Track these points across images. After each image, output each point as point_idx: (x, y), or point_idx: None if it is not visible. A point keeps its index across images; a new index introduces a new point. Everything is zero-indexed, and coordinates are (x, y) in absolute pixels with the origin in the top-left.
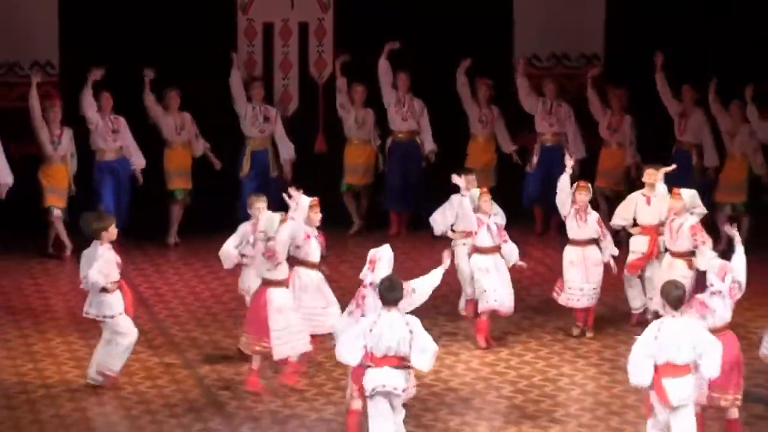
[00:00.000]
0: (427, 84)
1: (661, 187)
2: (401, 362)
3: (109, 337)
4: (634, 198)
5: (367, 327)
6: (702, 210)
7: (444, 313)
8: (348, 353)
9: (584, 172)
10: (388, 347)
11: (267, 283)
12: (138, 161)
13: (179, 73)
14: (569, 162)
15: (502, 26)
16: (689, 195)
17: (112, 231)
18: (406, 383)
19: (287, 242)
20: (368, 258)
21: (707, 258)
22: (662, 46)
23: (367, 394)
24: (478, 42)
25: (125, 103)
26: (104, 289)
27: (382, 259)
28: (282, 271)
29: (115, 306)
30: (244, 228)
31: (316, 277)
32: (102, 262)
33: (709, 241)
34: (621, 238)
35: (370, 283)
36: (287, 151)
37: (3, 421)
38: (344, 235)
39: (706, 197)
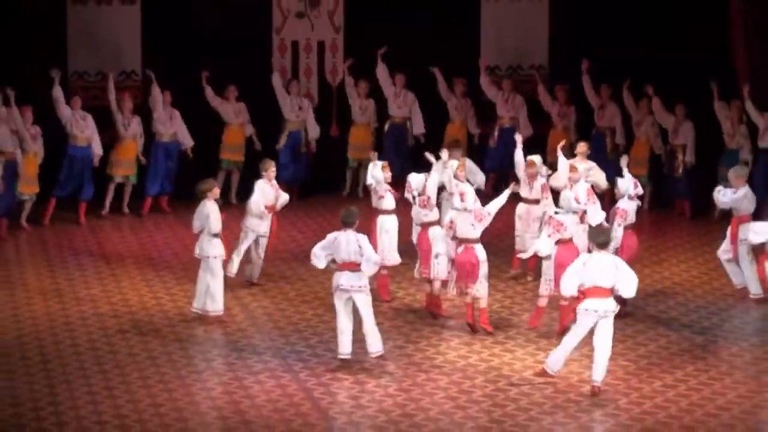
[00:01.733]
0: (418, 82)
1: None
2: (355, 267)
3: (205, 276)
4: (568, 165)
5: (330, 241)
6: (593, 179)
7: None
8: (317, 259)
9: (536, 150)
10: (344, 257)
11: (427, 225)
12: (187, 142)
13: (229, 79)
14: (519, 138)
15: (473, 43)
16: (584, 167)
17: (215, 191)
18: (359, 282)
19: (435, 192)
20: (459, 191)
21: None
22: (590, 57)
23: (333, 290)
24: (455, 53)
25: (194, 97)
26: (215, 234)
27: (468, 193)
28: (435, 214)
29: (219, 249)
30: (259, 185)
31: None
32: (215, 215)
33: (597, 202)
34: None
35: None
36: (314, 132)
37: (135, 345)
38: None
39: (616, 167)
